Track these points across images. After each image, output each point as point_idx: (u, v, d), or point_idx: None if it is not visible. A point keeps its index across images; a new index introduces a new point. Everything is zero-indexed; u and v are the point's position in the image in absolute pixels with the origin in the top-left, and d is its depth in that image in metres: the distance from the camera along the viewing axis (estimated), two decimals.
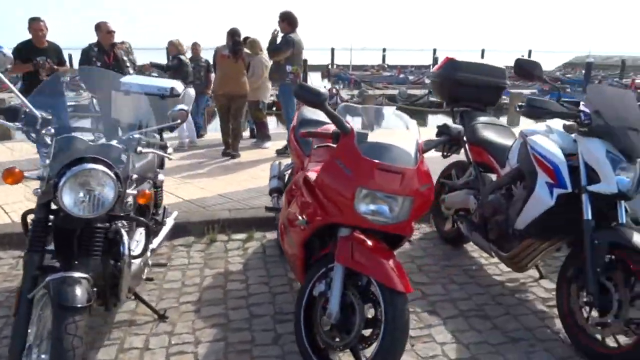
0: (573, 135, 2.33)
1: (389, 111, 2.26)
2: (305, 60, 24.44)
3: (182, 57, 6.43)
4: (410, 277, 3.01)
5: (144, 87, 3.12)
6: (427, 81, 30.76)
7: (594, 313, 2.22)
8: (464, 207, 3.19)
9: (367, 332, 2.00)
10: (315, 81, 27.90)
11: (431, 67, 46.83)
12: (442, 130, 2.16)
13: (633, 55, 51.55)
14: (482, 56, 53.25)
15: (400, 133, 2.10)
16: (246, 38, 6.52)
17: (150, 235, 2.20)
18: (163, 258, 3.27)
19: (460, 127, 2.19)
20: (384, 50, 54.07)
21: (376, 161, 1.90)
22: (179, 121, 2.21)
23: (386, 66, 47.75)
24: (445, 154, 3.64)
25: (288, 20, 5.70)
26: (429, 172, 2.06)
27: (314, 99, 1.96)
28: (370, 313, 2.02)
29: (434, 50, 49.67)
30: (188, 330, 2.44)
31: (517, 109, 2.43)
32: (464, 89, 3.38)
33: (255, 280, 2.97)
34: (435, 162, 2.95)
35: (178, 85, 3.23)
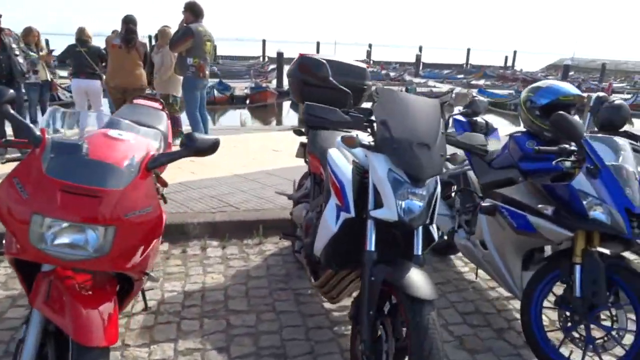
0: (361, 149, 1.96)
1: (126, 119, 1.87)
2: (281, 54, 23.85)
3: (72, 44, 5.95)
4: (228, 303, 2.67)
5: None
6: (408, 78, 30.62)
7: None
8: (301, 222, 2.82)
9: None
10: None
11: (415, 64, 46.54)
12: (185, 141, 1.77)
13: (616, 60, 51.60)
14: (468, 55, 53.07)
15: (124, 145, 1.72)
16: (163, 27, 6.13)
17: None
18: None
19: (211, 138, 1.81)
20: (370, 46, 53.59)
21: (62, 181, 1.52)
22: None
23: (371, 62, 47.40)
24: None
25: (191, 10, 5.40)
26: (152, 193, 1.68)
27: None
28: None
29: (420, 48, 49.40)
30: None
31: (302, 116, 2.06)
32: (316, 90, 2.99)
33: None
34: None
35: None
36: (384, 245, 1.88)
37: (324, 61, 2.22)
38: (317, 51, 49.48)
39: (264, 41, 48.62)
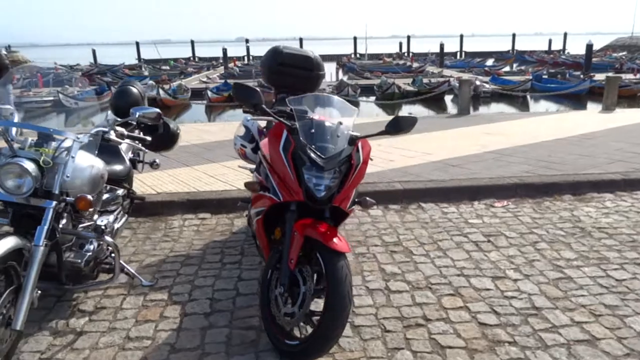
0: None
1: None
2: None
3: None
4: None
5: None
6: (429, 68, 29.98)
7: None
8: None
9: None
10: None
11: (458, 54, 45.37)
12: None
13: None
14: (514, 41, 50.63)
15: None
16: None
17: None
18: None
19: None
20: (408, 37, 52.83)
21: None
22: None
23: (408, 54, 46.90)
24: None
25: None
26: None
27: None
28: None
29: (461, 36, 48.29)
30: None
31: None
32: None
33: None
34: None
35: None
36: None
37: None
38: (355, 45, 49.60)
39: (300, 39, 49.52)
